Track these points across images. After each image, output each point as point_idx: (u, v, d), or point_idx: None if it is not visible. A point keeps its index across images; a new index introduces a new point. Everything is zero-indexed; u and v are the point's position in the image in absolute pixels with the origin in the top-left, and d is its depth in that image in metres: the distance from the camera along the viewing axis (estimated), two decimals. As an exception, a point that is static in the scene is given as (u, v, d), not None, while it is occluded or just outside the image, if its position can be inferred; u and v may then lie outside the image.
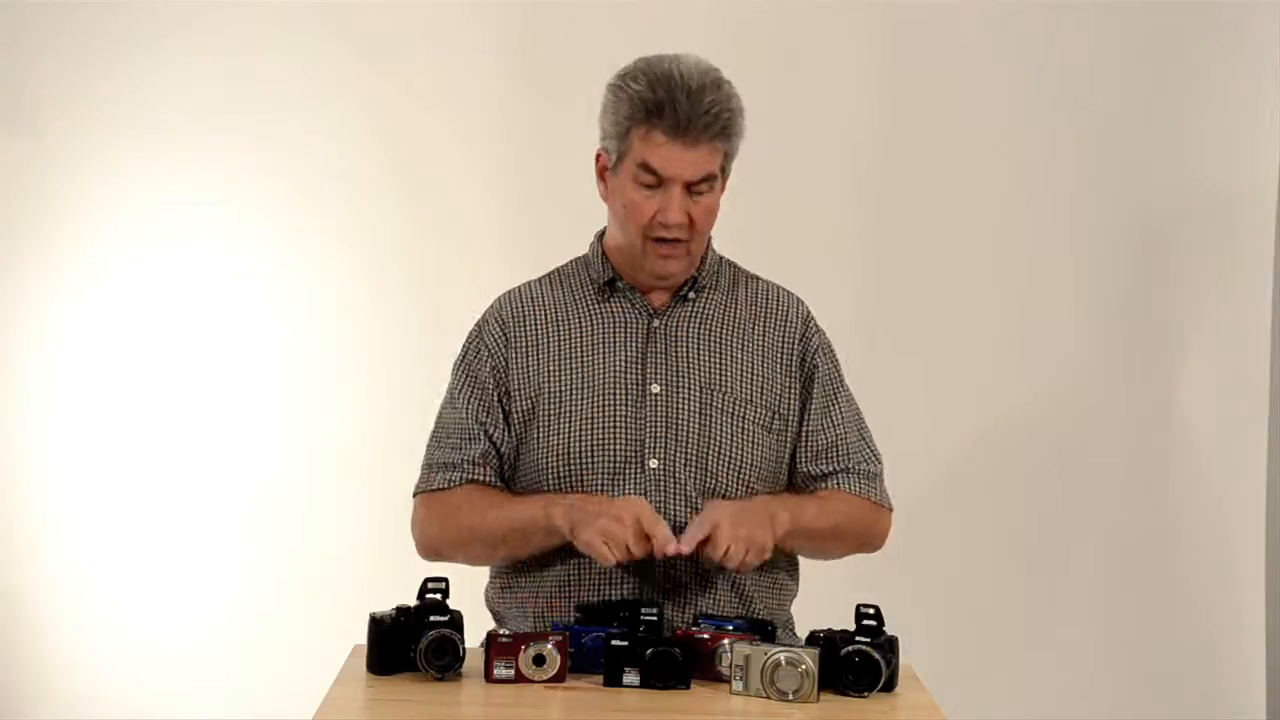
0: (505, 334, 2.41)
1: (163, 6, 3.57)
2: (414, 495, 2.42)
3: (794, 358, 2.43)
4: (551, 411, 2.35)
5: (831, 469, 2.41)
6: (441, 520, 2.38)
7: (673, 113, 2.25)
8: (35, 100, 3.58)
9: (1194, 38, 3.63)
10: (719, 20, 3.50)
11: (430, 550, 2.39)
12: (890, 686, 2.08)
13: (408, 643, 2.06)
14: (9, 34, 3.56)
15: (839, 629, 2.10)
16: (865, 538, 2.45)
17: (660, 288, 2.41)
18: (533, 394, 2.37)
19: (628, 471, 2.32)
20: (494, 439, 2.38)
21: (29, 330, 3.61)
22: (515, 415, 2.37)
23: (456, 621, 2.07)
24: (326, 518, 3.61)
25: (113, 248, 3.60)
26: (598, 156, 2.38)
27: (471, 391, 2.40)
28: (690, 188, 2.30)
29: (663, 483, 2.32)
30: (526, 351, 2.39)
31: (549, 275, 2.49)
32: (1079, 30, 3.64)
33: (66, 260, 3.60)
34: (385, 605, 2.10)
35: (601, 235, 2.46)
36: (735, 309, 2.44)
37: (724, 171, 2.35)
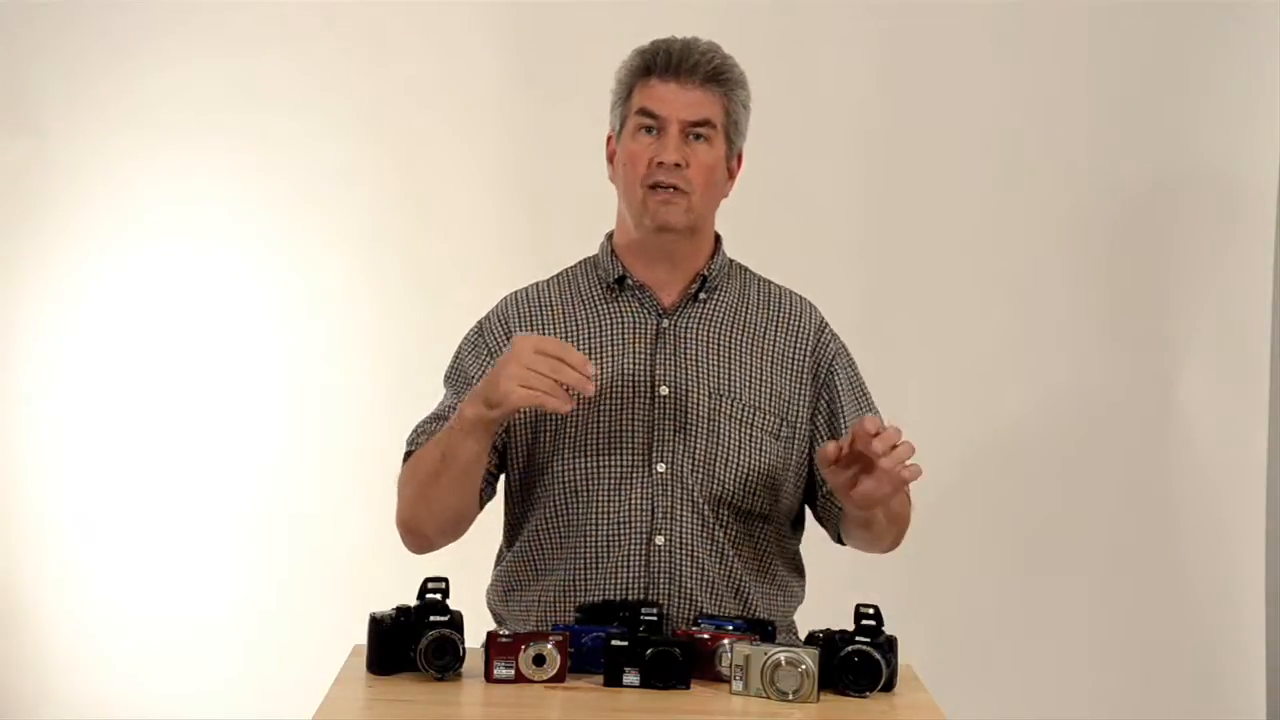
0: (509, 334, 2.38)
1: (163, 6, 3.57)
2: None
3: (805, 365, 2.41)
4: (559, 413, 2.32)
5: None
6: (401, 487, 2.32)
7: (665, 56, 2.33)
8: (36, 100, 3.58)
9: (1194, 39, 3.63)
10: (720, 20, 3.49)
11: (406, 529, 2.31)
12: (890, 686, 2.08)
13: (408, 643, 2.06)
14: (9, 34, 3.56)
15: (839, 629, 2.10)
16: (903, 535, 2.44)
17: (668, 271, 2.38)
18: None
19: (634, 475, 2.30)
20: None
21: (30, 330, 3.61)
22: (520, 418, 2.34)
23: (456, 621, 2.07)
24: (326, 518, 3.61)
25: (113, 247, 3.61)
26: (607, 140, 2.41)
27: (457, 388, 2.37)
28: (688, 133, 2.31)
29: (670, 488, 2.31)
30: None
31: (556, 277, 2.47)
32: (1079, 31, 3.63)
33: (67, 260, 3.60)
34: (385, 605, 2.10)
35: (611, 236, 2.44)
36: (746, 312, 2.42)
37: (729, 137, 2.35)
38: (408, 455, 2.36)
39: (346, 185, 3.62)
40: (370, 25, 3.59)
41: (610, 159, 2.41)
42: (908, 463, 2.13)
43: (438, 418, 2.36)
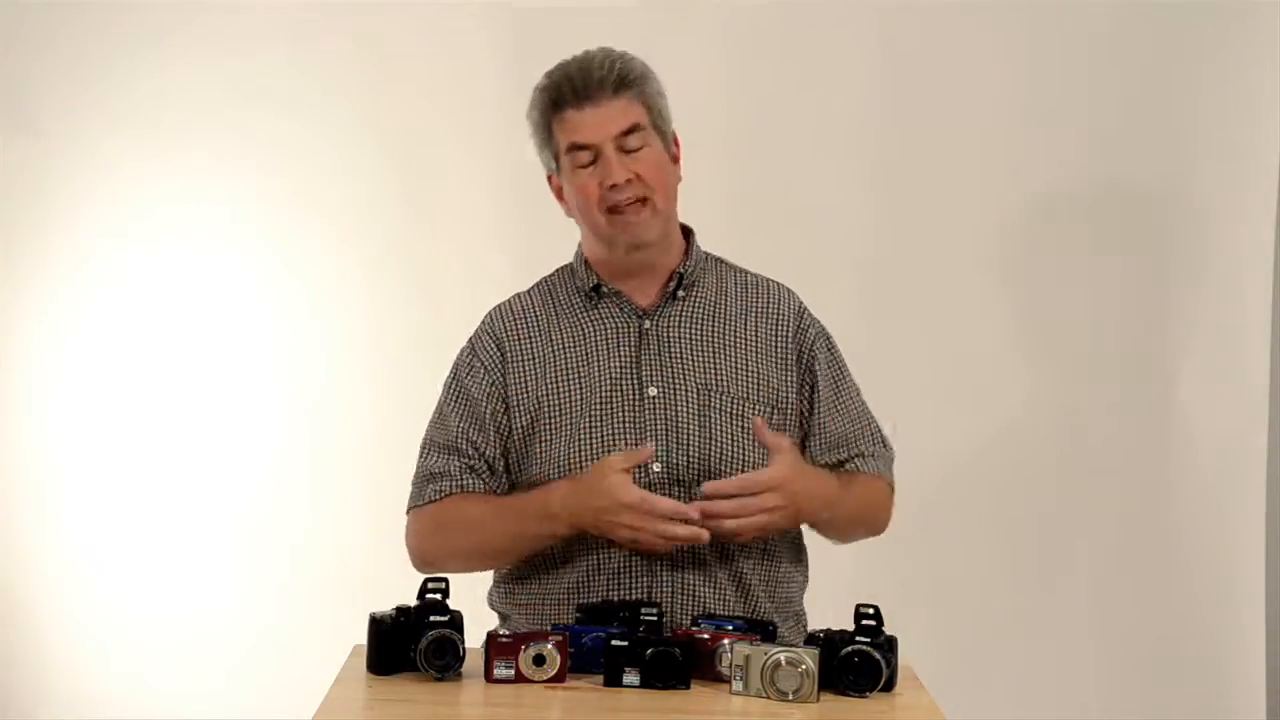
0: (501, 350, 2.40)
1: (163, 6, 3.57)
2: (406, 512, 2.40)
3: (789, 351, 2.42)
4: (551, 424, 2.34)
5: (848, 454, 2.41)
6: (434, 535, 2.36)
7: (569, 86, 2.32)
8: (35, 100, 3.58)
9: (1194, 40, 3.63)
10: (720, 21, 3.50)
11: (425, 563, 2.36)
12: (890, 686, 2.08)
13: (408, 643, 2.06)
14: (9, 34, 3.56)
15: (839, 629, 2.10)
16: (879, 521, 2.46)
17: (643, 274, 2.38)
18: (532, 408, 2.35)
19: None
20: (486, 456, 2.36)
21: (29, 330, 3.61)
22: (516, 431, 2.35)
23: (456, 621, 2.08)
24: (326, 518, 3.61)
25: (113, 248, 3.61)
26: (549, 180, 2.42)
27: (463, 409, 2.38)
28: (621, 146, 2.31)
29: (667, 487, 2.30)
30: (523, 366, 2.38)
31: (537, 286, 2.48)
32: (1079, 32, 3.63)
33: (67, 260, 3.60)
34: (385, 605, 2.10)
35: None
36: (726, 305, 2.42)
37: (659, 130, 2.35)
38: (426, 502, 2.36)
39: (346, 185, 3.62)
40: (370, 25, 3.59)
41: (558, 196, 2.42)
42: (727, 523, 2.21)
43: (449, 449, 2.36)
